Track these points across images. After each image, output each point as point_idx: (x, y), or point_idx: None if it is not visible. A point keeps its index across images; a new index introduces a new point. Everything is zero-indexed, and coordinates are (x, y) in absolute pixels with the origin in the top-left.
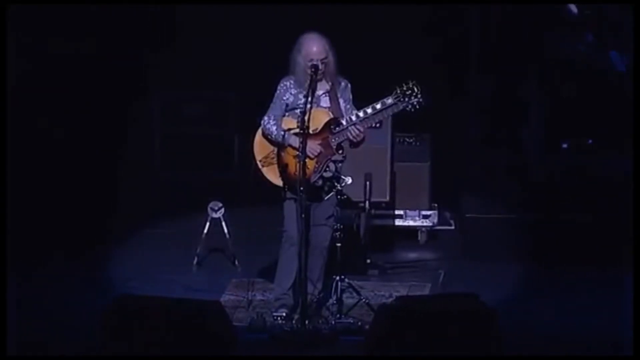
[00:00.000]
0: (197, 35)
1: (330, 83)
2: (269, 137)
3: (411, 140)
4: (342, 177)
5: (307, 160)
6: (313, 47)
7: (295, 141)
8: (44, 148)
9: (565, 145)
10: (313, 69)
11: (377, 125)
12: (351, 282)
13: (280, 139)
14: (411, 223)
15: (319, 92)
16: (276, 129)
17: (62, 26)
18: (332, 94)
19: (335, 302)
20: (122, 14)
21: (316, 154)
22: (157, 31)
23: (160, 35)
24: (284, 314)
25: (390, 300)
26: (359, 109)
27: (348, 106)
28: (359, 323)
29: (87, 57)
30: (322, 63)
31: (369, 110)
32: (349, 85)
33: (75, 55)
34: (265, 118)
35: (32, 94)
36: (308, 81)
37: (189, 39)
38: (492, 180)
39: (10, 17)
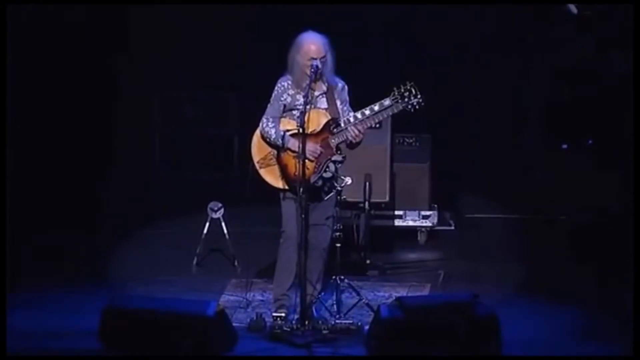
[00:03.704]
0: (197, 35)
1: (327, 84)
2: (268, 139)
3: (411, 140)
4: (342, 177)
5: (306, 160)
6: (312, 46)
7: (295, 145)
8: (43, 148)
9: (565, 146)
10: (313, 69)
11: (377, 125)
12: (351, 282)
13: (279, 142)
14: (411, 223)
15: (316, 93)
16: (275, 132)
17: (61, 24)
18: (329, 95)
19: (335, 302)
20: (122, 13)
21: (317, 156)
22: (157, 31)
23: (160, 35)
24: (284, 315)
25: (390, 300)
26: (356, 111)
27: (345, 107)
28: (359, 323)
29: (86, 57)
30: (320, 62)
31: (367, 112)
32: (346, 86)
33: (74, 55)
34: (264, 120)
35: (32, 94)
36: (306, 81)
37: (189, 39)
38: (492, 180)
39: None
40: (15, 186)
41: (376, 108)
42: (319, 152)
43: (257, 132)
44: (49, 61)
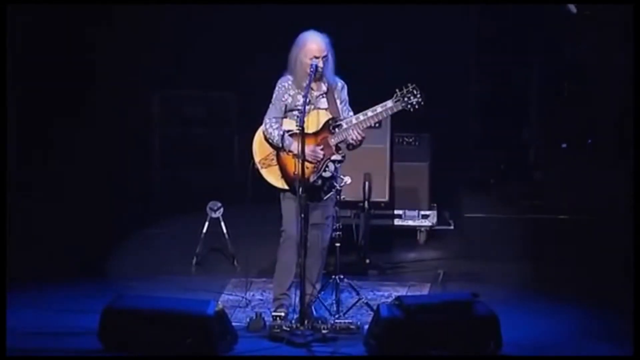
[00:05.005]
0: (197, 36)
1: (327, 84)
2: (271, 140)
3: (411, 140)
4: (341, 176)
5: (306, 160)
6: (313, 45)
7: (296, 147)
8: (43, 149)
9: (565, 145)
10: (312, 69)
11: (377, 125)
12: (351, 281)
13: (280, 145)
14: (410, 223)
15: (316, 93)
16: (278, 134)
17: (61, 23)
18: (329, 96)
19: (334, 301)
20: (123, 13)
21: (319, 159)
22: (158, 31)
23: (160, 35)
24: (283, 314)
25: (390, 300)
26: (358, 112)
27: (345, 107)
28: (359, 323)
29: (86, 56)
30: (322, 60)
31: (370, 114)
32: (346, 85)
33: (74, 55)
34: (267, 120)
35: (31, 93)
36: (307, 80)
37: (189, 39)
38: (492, 180)
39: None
40: (14, 183)
41: (379, 109)
42: (320, 156)
43: (259, 132)
44: (48, 61)
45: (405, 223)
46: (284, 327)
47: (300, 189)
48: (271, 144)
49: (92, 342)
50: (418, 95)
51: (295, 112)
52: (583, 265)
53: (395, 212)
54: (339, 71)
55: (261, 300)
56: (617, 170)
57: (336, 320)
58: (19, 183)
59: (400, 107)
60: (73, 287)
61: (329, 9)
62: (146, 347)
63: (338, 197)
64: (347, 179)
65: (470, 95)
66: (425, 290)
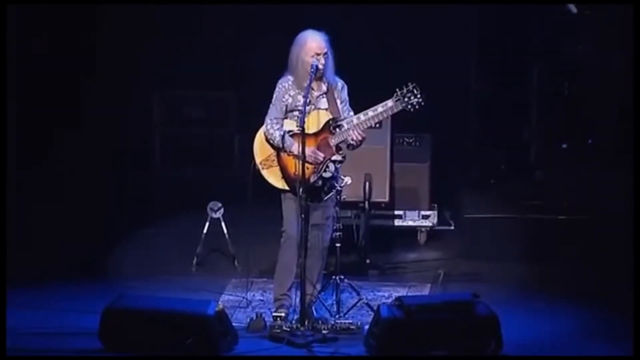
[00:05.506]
0: (197, 35)
1: (327, 84)
2: (271, 141)
3: (411, 140)
4: (342, 177)
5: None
6: (314, 43)
7: (297, 149)
8: (43, 149)
9: (565, 145)
10: (312, 68)
11: (377, 125)
12: (351, 282)
13: (281, 145)
14: (411, 223)
15: (316, 93)
16: (279, 134)
17: (62, 24)
18: (329, 96)
19: (335, 302)
20: (122, 12)
21: (319, 161)
22: (158, 31)
23: (161, 35)
24: (284, 314)
25: (390, 300)
26: (358, 112)
27: (345, 107)
28: (359, 323)
29: (85, 56)
30: (323, 57)
31: (370, 113)
32: (345, 85)
33: (74, 55)
34: (268, 121)
35: (31, 93)
36: (307, 80)
37: (189, 38)
38: (492, 180)
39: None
40: (14, 182)
41: (379, 109)
42: (321, 158)
43: (260, 133)
44: (48, 61)
45: (405, 223)
46: (285, 328)
47: (301, 190)
48: (272, 145)
49: (92, 342)
50: (418, 95)
51: (296, 113)
52: (583, 265)
53: (396, 212)
54: (339, 71)
55: (262, 300)
56: (617, 170)
57: (336, 321)
58: (19, 183)
59: (400, 107)
60: (73, 287)
61: (329, 9)
62: (146, 347)
63: (338, 197)
64: (348, 180)
65: (471, 95)
66: (425, 290)
